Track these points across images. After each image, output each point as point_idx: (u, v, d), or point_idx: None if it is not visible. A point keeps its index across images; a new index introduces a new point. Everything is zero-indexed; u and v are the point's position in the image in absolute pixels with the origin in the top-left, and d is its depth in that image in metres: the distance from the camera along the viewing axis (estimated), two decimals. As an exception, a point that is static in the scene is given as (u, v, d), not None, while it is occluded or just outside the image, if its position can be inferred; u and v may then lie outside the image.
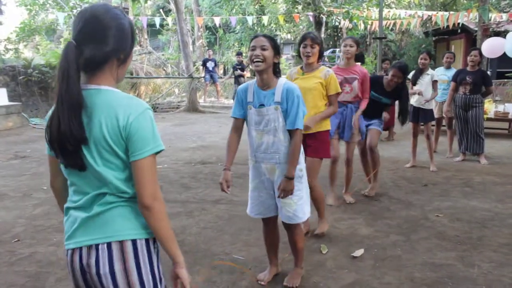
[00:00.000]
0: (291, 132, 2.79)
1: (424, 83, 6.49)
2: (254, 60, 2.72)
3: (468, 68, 6.86)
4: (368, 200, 5.05)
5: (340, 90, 3.92)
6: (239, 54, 14.65)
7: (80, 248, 1.52)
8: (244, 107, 2.91)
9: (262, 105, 2.81)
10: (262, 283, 3.13)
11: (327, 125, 3.88)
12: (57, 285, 3.14)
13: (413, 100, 6.64)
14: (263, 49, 2.70)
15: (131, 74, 16.61)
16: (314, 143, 3.76)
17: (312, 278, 3.21)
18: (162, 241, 1.54)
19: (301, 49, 3.81)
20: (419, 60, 6.59)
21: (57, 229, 4.20)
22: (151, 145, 1.46)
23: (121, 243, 1.50)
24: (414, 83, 6.61)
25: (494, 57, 6.92)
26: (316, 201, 3.88)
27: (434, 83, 6.50)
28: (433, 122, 7.01)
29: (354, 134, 4.75)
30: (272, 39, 2.78)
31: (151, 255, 1.58)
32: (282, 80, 2.83)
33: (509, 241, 3.85)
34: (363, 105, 4.73)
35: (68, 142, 1.41)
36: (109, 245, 1.49)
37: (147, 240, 1.56)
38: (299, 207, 2.90)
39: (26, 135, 9.99)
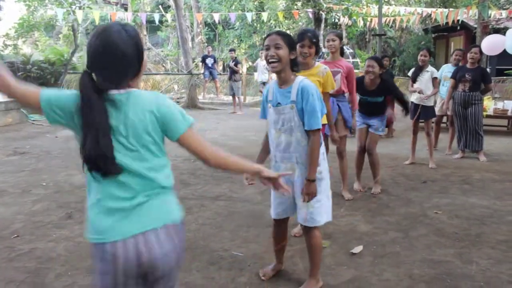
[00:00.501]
0: (308, 133, 2.71)
1: (424, 80, 6.48)
2: (270, 60, 2.66)
3: (468, 65, 6.87)
4: (367, 196, 5.06)
5: (335, 86, 3.94)
6: (231, 50, 14.54)
7: (127, 239, 1.64)
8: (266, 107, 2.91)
9: (279, 104, 2.77)
10: (263, 278, 3.13)
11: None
12: (57, 281, 3.14)
13: (414, 97, 6.64)
14: (277, 48, 2.63)
15: (130, 70, 16.62)
16: None
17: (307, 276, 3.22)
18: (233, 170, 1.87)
19: (298, 47, 3.68)
20: (418, 57, 6.57)
21: (56, 225, 4.20)
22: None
23: (173, 225, 1.72)
24: (414, 80, 6.60)
25: (494, 54, 6.92)
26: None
27: (434, 80, 6.50)
28: (433, 119, 7.00)
29: (341, 126, 4.75)
30: (286, 35, 2.69)
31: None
32: (299, 78, 2.74)
33: (508, 238, 3.87)
34: (355, 103, 4.80)
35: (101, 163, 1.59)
36: (163, 228, 1.69)
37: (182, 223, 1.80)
38: (316, 210, 2.82)
39: (25, 131, 9.98)
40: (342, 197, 4.98)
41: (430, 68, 6.57)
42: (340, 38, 4.78)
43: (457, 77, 6.87)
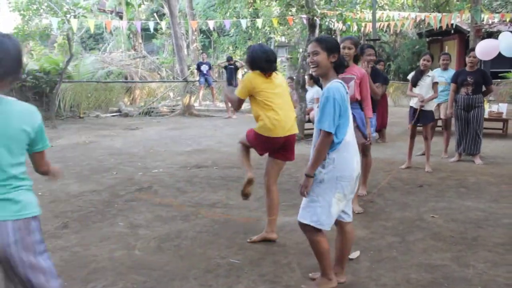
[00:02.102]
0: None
1: (425, 84, 6.50)
2: (311, 66, 2.89)
3: (467, 69, 6.89)
4: (363, 201, 5.06)
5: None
6: (229, 59, 14.41)
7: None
8: None
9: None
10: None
11: None
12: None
13: (413, 102, 6.64)
14: (315, 54, 2.84)
15: (126, 78, 16.61)
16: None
17: (307, 280, 3.21)
18: None
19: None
20: (421, 61, 6.55)
21: (52, 234, 4.18)
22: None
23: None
24: (414, 85, 6.59)
25: (488, 59, 6.95)
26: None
27: (435, 84, 6.52)
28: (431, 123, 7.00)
29: (358, 135, 4.71)
30: (323, 41, 2.87)
31: None
32: (332, 82, 2.87)
33: (504, 240, 3.87)
34: (369, 112, 4.66)
35: None
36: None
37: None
38: (308, 208, 2.88)
39: (20, 140, 9.93)
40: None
41: (431, 72, 6.59)
42: (356, 45, 4.64)
43: (458, 81, 6.89)
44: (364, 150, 5.25)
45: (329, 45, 2.86)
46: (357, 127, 4.69)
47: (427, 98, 6.43)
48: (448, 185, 5.73)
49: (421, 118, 6.50)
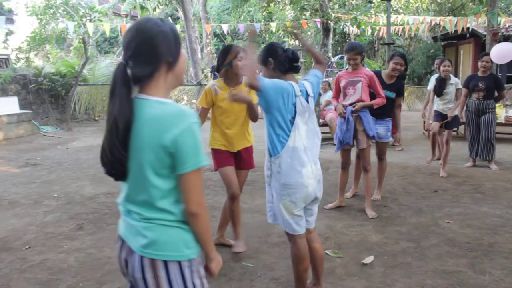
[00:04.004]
0: None
1: (451, 93, 6.46)
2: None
3: (480, 74, 6.80)
4: (377, 206, 5.02)
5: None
6: None
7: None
8: None
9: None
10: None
11: (250, 142, 3.81)
12: (68, 293, 3.16)
13: (440, 107, 6.55)
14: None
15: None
16: (249, 157, 3.80)
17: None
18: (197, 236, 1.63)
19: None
20: (441, 68, 6.47)
21: (67, 236, 4.23)
22: (192, 161, 1.51)
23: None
24: (439, 94, 6.52)
25: (503, 62, 6.84)
26: None
27: (458, 90, 6.47)
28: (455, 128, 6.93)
29: (363, 138, 4.70)
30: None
31: None
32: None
33: (521, 247, 3.82)
34: (377, 100, 4.67)
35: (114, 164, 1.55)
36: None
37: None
38: (268, 207, 2.96)
39: (36, 142, 10.07)
40: (363, 212, 4.82)
41: (453, 79, 6.52)
42: (361, 54, 4.63)
43: (470, 86, 6.81)
44: (380, 154, 5.24)
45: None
46: (363, 131, 4.69)
47: (454, 107, 6.43)
48: (464, 190, 5.66)
49: (448, 123, 6.45)
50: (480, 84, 6.69)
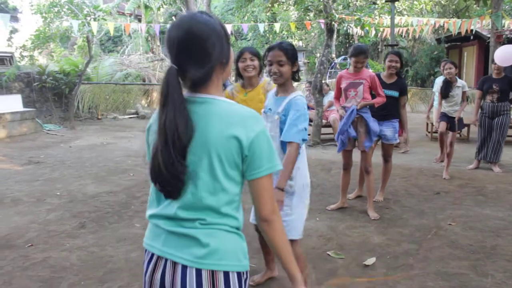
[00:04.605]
0: (287, 143, 2.68)
1: (458, 96, 6.45)
2: (272, 75, 2.73)
3: (494, 76, 6.78)
4: (379, 208, 5.02)
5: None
6: None
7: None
8: None
9: (270, 110, 2.83)
10: (252, 283, 3.16)
11: None
12: (70, 291, 3.17)
13: (446, 109, 6.53)
14: (280, 65, 2.69)
15: (144, 80, 16.74)
16: None
17: (323, 286, 3.20)
18: (277, 254, 1.54)
19: (240, 64, 3.50)
20: (444, 71, 6.46)
21: (70, 234, 4.24)
22: (267, 165, 1.43)
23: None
24: (445, 96, 6.50)
25: (507, 65, 6.81)
26: None
27: (464, 93, 6.46)
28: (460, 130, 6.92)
29: (363, 140, 4.70)
30: (287, 51, 2.69)
31: None
32: (296, 93, 2.77)
33: (523, 250, 3.81)
34: (377, 99, 4.67)
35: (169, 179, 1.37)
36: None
37: None
38: (284, 223, 2.82)
39: (40, 140, 10.10)
40: (365, 214, 4.83)
41: (460, 82, 6.51)
42: (367, 56, 4.65)
43: (484, 88, 6.79)
44: (386, 156, 5.24)
45: (293, 55, 2.73)
46: (366, 132, 4.68)
47: (460, 109, 6.44)
48: (466, 192, 5.65)
49: (452, 124, 6.45)
50: (494, 86, 6.67)
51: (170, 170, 1.34)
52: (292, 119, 2.66)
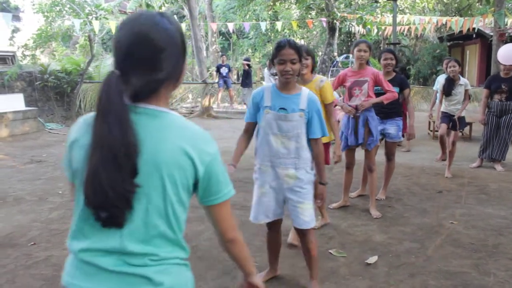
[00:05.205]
0: (313, 140, 2.84)
1: (461, 94, 6.42)
2: (284, 74, 2.73)
3: (502, 75, 6.77)
4: (382, 206, 5.02)
5: (334, 98, 3.91)
6: (246, 59, 14.67)
7: None
8: (260, 112, 2.91)
9: (283, 109, 2.80)
10: None
11: (327, 138, 3.78)
12: (72, 289, 3.17)
13: (447, 109, 6.51)
14: (293, 63, 2.71)
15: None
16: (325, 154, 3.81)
17: (325, 284, 3.20)
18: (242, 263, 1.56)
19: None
20: (448, 69, 6.41)
21: (72, 233, 4.24)
22: (225, 190, 1.39)
23: None
24: (447, 94, 6.47)
25: (510, 64, 6.78)
26: None
27: (466, 92, 6.45)
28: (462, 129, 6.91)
29: (367, 140, 4.69)
30: (298, 49, 2.75)
31: None
32: (304, 88, 2.89)
33: (526, 249, 3.80)
34: (388, 95, 4.63)
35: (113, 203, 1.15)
36: None
37: None
38: (314, 211, 2.96)
39: (42, 139, 10.12)
40: (367, 212, 4.82)
41: (463, 80, 6.48)
42: (371, 49, 4.65)
43: (491, 87, 6.78)
44: (389, 155, 5.23)
45: (301, 52, 2.81)
46: (369, 132, 4.66)
47: (462, 108, 6.41)
48: (468, 191, 5.64)
49: (453, 123, 6.42)
50: (502, 86, 6.67)
51: (116, 189, 1.13)
52: (320, 115, 2.82)
